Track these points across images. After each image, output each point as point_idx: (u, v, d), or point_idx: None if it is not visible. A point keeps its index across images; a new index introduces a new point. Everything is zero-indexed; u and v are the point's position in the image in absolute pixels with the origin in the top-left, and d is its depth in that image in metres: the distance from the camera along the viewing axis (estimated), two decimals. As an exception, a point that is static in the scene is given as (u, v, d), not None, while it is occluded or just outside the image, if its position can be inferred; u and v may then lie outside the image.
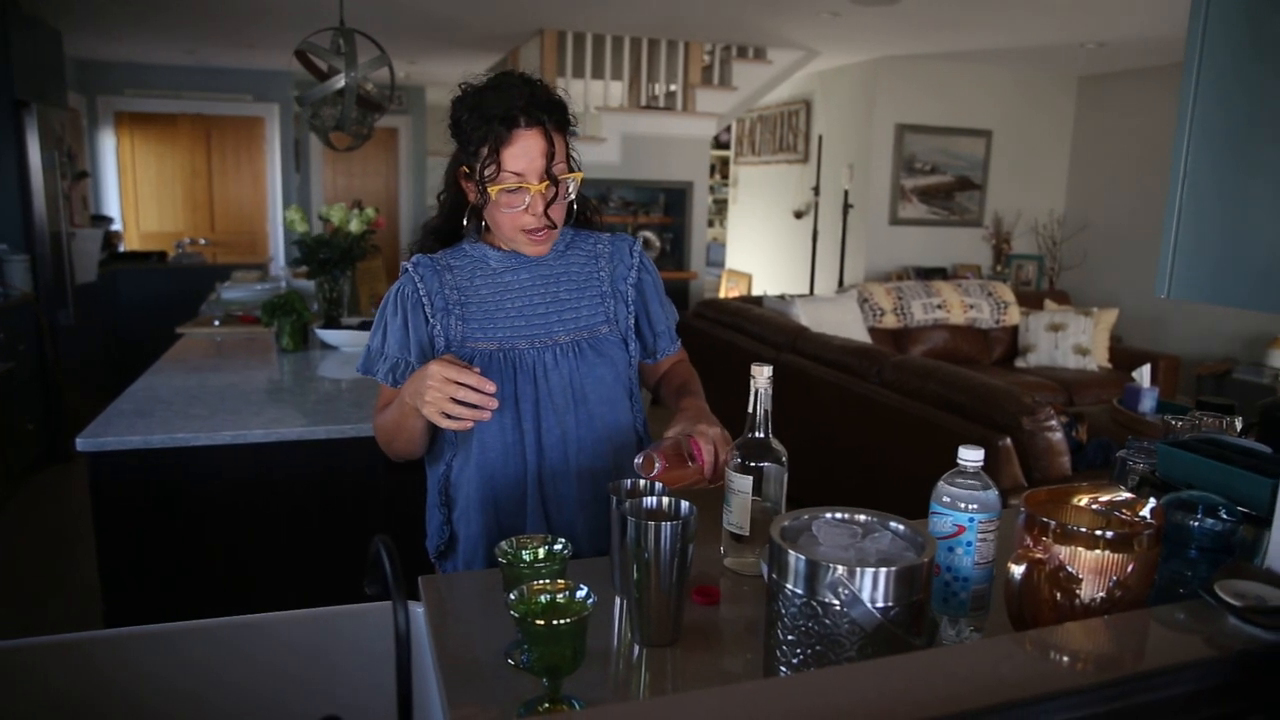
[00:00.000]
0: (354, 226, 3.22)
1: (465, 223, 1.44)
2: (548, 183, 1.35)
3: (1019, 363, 5.72)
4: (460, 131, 1.36)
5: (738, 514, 1.30)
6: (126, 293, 6.03)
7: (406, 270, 1.46)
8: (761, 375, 1.30)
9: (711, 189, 9.43)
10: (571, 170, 1.40)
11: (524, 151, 1.32)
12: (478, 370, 1.28)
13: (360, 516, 2.27)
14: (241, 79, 8.31)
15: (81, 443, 2.05)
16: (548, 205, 1.36)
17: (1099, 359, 5.59)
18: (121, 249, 7.02)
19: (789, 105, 7.81)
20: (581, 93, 6.31)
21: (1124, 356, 5.63)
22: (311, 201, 9.00)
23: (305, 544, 2.25)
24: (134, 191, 8.33)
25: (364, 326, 3.21)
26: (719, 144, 9.08)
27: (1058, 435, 2.91)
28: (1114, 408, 4.20)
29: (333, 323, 3.23)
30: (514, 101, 1.31)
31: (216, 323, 3.50)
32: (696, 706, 0.71)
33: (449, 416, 1.26)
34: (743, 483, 1.29)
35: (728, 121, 7.10)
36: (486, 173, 1.33)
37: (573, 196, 1.42)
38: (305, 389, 2.67)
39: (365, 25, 3.56)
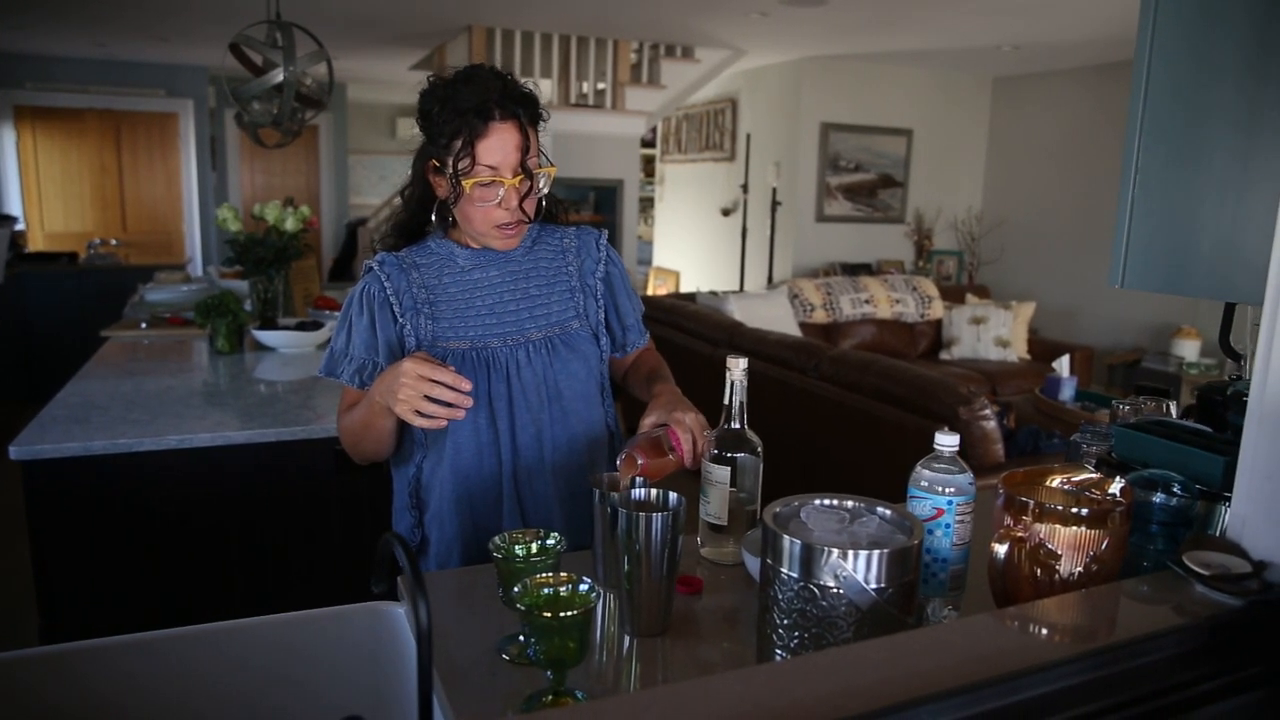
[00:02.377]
0: (290, 225, 3.14)
1: (434, 218, 1.42)
2: (522, 176, 1.34)
3: (943, 355, 5.91)
4: (430, 124, 1.34)
5: (716, 505, 1.32)
6: (37, 295, 5.75)
7: (371, 269, 1.42)
8: (737, 368, 1.33)
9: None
10: (543, 165, 1.39)
11: (499, 145, 1.31)
12: (452, 368, 1.27)
13: (314, 519, 2.22)
14: (154, 73, 7.99)
15: (15, 451, 1.96)
16: (521, 199, 1.36)
17: (1019, 350, 5.81)
18: (26, 250, 6.70)
19: (715, 104, 7.89)
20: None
21: (1042, 348, 5.86)
22: (229, 200, 8.72)
23: (258, 548, 2.19)
24: (37, 190, 7.94)
25: (302, 327, 3.13)
26: (643, 142, 9.11)
27: (991, 424, 3.02)
28: (1036, 397, 4.38)
29: (269, 324, 3.14)
30: (488, 94, 1.30)
31: (144, 325, 3.37)
32: (723, 690, 0.73)
33: (423, 415, 1.25)
34: (720, 474, 1.31)
35: (656, 120, 7.14)
36: (460, 166, 1.31)
37: (545, 191, 1.42)
38: (246, 391, 2.61)
39: (287, 18, 3.46)
